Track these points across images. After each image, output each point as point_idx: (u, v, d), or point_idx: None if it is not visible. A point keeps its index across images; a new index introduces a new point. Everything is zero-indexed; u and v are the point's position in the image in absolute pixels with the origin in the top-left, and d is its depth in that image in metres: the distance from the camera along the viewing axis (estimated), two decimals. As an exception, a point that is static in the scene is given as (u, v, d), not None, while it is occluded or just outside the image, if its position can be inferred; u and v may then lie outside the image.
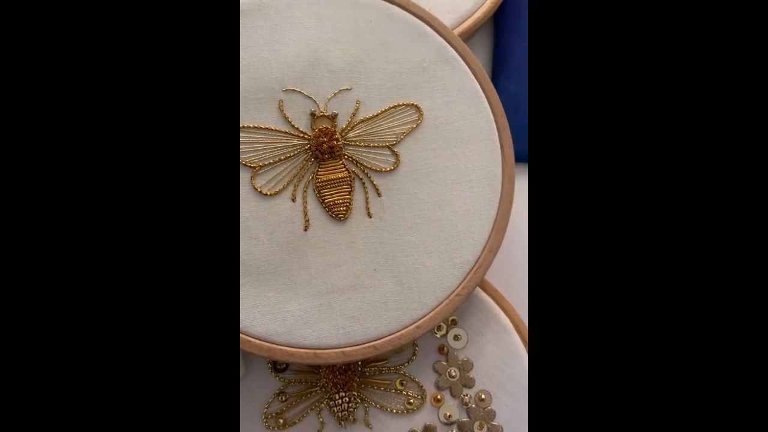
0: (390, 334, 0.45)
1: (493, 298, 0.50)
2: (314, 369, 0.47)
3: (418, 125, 0.47)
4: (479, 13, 0.55)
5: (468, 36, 0.55)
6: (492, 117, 0.48)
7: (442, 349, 0.48)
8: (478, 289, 0.49)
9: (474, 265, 0.47)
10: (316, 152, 0.46)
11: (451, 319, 0.48)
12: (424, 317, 0.46)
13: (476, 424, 0.47)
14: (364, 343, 0.45)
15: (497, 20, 0.59)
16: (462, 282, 0.46)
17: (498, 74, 0.57)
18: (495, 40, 0.59)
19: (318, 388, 0.47)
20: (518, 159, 0.54)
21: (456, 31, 0.54)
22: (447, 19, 0.54)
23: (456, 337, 0.48)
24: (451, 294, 0.46)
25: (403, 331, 0.45)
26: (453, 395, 0.48)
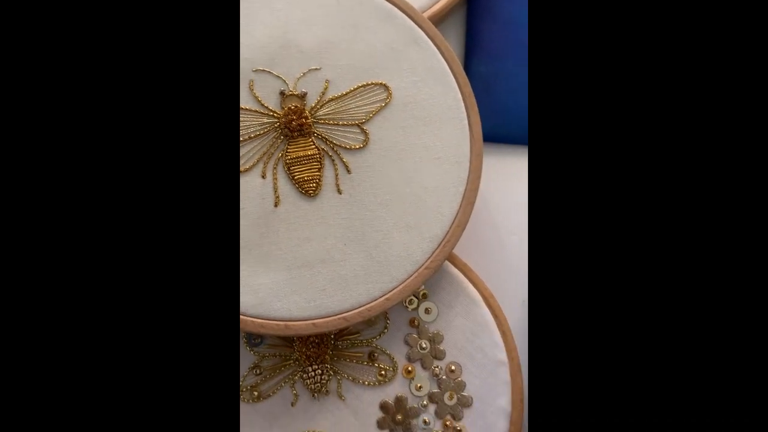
0: (360, 307, 0.47)
1: (463, 272, 0.51)
2: (288, 343, 0.49)
3: (386, 104, 0.48)
4: (449, -4, 0.56)
5: (440, 19, 0.57)
6: (460, 96, 0.49)
7: (413, 322, 0.49)
8: (447, 263, 0.51)
9: (443, 240, 0.48)
10: (286, 130, 0.47)
11: (421, 292, 0.50)
12: (393, 290, 0.47)
13: (446, 394, 0.48)
14: (335, 315, 0.46)
15: (470, 4, 0.60)
16: (431, 256, 0.48)
17: (470, 57, 0.58)
18: (467, 23, 0.60)
19: (292, 361, 0.48)
20: (489, 139, 0.56)
21: (426, 14, 0.55)
22: (417, 2, 0.55)
23: (427, 311, 0.50)
24: (420, 267, 0.47)
25: (372, 304, 0.47)
26: (424, 367, 0.49)
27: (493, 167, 0.56)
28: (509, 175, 0.56)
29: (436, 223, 0.48)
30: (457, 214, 0.48)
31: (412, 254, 0.47)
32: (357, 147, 0.48)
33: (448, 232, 0.48)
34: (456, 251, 0.52)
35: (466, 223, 0.48)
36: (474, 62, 0.58)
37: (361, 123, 0.48)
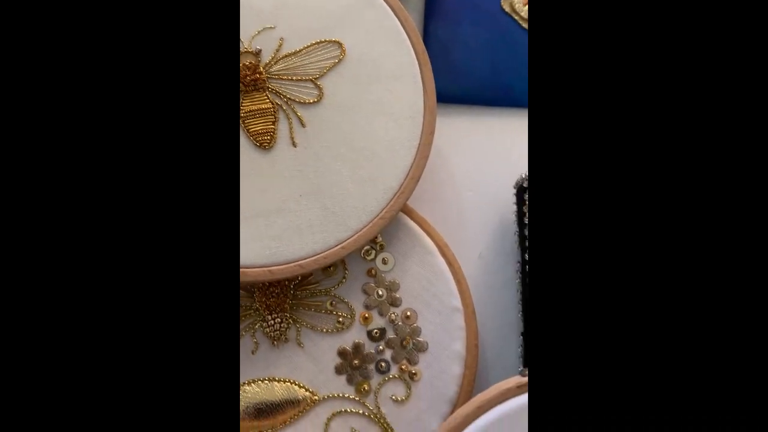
0: (315, 255, 0.48)
1: (419, 225, 0.52)
2: (248, 293, 0.50)
3: (340, 60, 0.50)
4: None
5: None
6: (413, 53, 0.51)
7: (371, 271, 0.51)
8: (404, 216, 0.52)
9: (397, 191, 0.49)
10: (240, 85, 0.48)
11: (379, 243, 0.51)
12: (348, 239, 0.49)
13: (402, 339, 0.50)
14: (291, 263, 0.48)
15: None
16: (385, 206, 0.49)
17: (429, 21, 0.60)
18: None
19: (252, 311, 0.50)
20: (449, 100, 0.57)
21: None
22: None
23: (384, 261, 0.51)
24: (375, 218, 0.49)
25: (328, 252, 0.48)
26: (381, 314, 0.50)
27: (453, 127, 0.57)
28: (468, 135, 0.57)
29: (391, 175, 0.49)
30: (411, 167, 0.50)
31: (368, 205, 0.49)
32: (311, 101, 0.49)
33: (402, 184, 0.50)
34: (414, 206, 0.53)
35: (419, 176, 0.50)
36: (432, 26, 0.59)
37: (315, 78, 0.49)
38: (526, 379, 0.42)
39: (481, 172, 0.56)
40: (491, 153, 0.57)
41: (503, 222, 0.55)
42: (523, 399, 0.42)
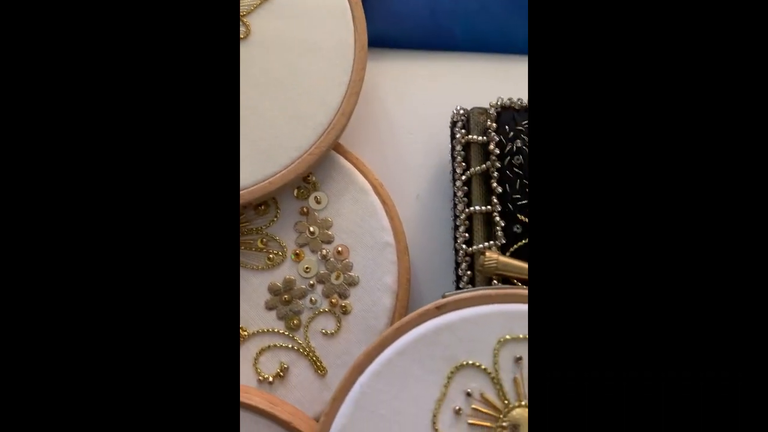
0: (243, 189, 0.48)
1: (353, 164, 0.52)
2: (179, 232, 0.50)
3: (268, -2, 0.50)
4: None
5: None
6: (345, -9, 0.51)
7: (304, 210, 0.51)
8: (338, 155, 0.52)
9: (327, 128, 0.49)
10: (163, 19, 0.48)
11: (312, 183, 0.51)
12: (276, 174, 0.48)
13: (333, 275, 0.50)
14: (216, 196, 0.48)
15: None
16: (315, 142, 0.49)
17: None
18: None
19: (183, 249, 0.50)
20: (387, 44, 0.57)
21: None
22: None
23: (317, 200, 0.51)
24: (304, 153, 0.49)
25: (255, 187, 0.48)
26: (312, 251, 0.50)
27: (393, 71, 0.57)
28: (408, 79, 0.57)
29: (321, 112, 0.49)
30: (341, 103, 0.50)
31: (296, 141, 0.49)
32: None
33: (332, 120, 0.50)
34: (353, 148, 0.53)
35: (350, 112, 0.50)
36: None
37: (242, 15, 0.49)
38: (444, 300, 0.42)
39: (421, 116, 0.56)
40: (431, 97, 0.56)
41: (442, 165, 0.55)
42: (441, 320, 0.41)
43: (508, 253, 0.46)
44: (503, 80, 0.56)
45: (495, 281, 0.46)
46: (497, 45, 0.60)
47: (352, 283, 0.50)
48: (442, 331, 0.41)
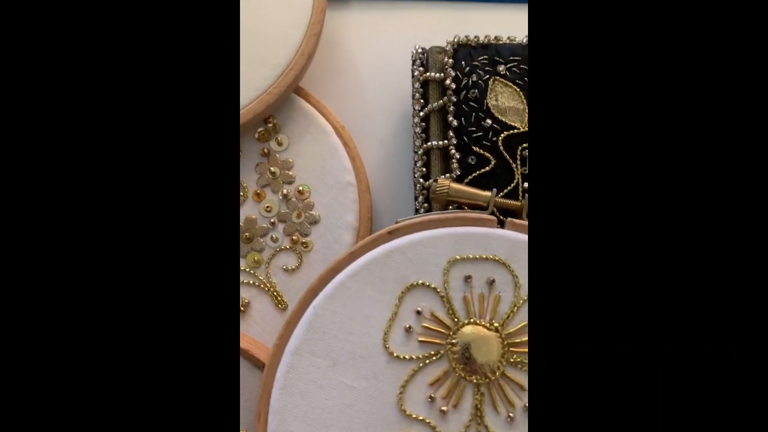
0: (202, 129, 0.48)
1: (315, 107, 0.53)
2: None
3: (225, -58, 0.50)
4: None
5: None
6: (304, -65, 0.51)
7: (264, 151, 0.51)
8: (300, 99, 0.52)
9: (286, 68, 0.50)
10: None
11: (273, 125, 0.51)
12: (235, 113, 0.49)
13: (294, 213, 0.50)
14: (175, 135, 0.48)
15: None
16: (273, 83, 0.50)
17: None
18: None
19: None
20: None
21: None
22: None
23: (278, 142, 0.51)
24: (262, 93, 0.49)
25: (214, 126, 0.49)
26: (274, 191, 0.51)
27: (360, 19, 0.57)
28: (371, 25, 0.58)
29: (280, 52, 0.50)
30: (300, 44, 0.50)
31: (255, 82, 0.49)
32: (195, -20, 0.50)
33: (291, 61, 0.50)
34: (319, 95, 0.54)
35: (310, 54, 0.50)
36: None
37: (200, -42, 0.50)
38: (396, 225, 0.42)
39: (386, 62, 0.56)
40: (396, 43, 0.57)
41: (406, 109, 0.55)
42: (393, 243, 0.42)
43: (464, 184, 0.47)
44: (464, 23, 0.57)
45: (451, 208, 0.46)
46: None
47: (314, 221, 0.50)
48: (394, 253, 0.41)
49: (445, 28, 0.57)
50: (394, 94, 0.56)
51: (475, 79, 0.48)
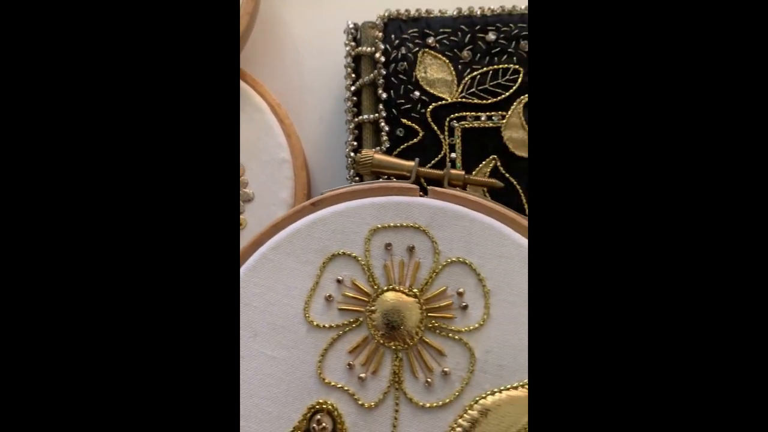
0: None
1: (250, 85, 0.53)
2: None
3: None
4: None
5: None
6: None
7: (200, 131, 0.51)
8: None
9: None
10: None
11: (208, 105, 0.51)
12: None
13: (229, 191, 0.50)
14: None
15: None
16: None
17: None
18: None
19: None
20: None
21: None
22: None
23: (214, 121, 0.51)
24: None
25: (145, 105, 0.49)
26: (209, 170, 0.51)
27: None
28: (314, 6, 0.58)
29: (212, 32, 0.50)
30: (233, 23, 0.50)
31: (188, 61, 0.49)
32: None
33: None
34: (259, 75, 0.54)
35: (243, 33, 0.50)
36: None
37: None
38: (320, 196, 0.42)
39: (326, 40, 0.56)
40: (337, 21, 0.57)
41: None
42: (316, 215, 0.42)
43: (392, 156, 0.47)
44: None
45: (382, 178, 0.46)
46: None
47: (247, 199, 0.50)
48: (316, 224, 0.41)
49: (385, 3, 0.57)
50: (334, 70, 0.56)
51: (404, 51, 0.48)
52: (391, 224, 0.41)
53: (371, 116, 0.48)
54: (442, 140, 0.47)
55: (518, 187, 0.46)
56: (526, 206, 0.46)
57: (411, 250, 0.41)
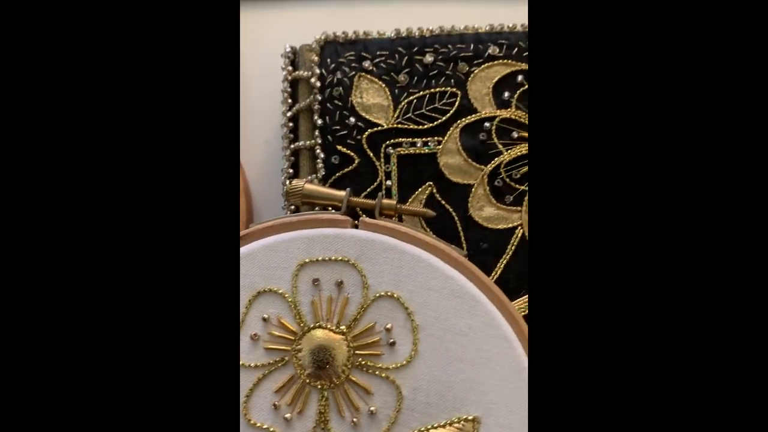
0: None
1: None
2: None
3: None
4: None
5: None
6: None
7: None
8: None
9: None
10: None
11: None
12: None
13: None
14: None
15: None
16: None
17: None
18: None
19: None
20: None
21: None
22: None
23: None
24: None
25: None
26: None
27: (242, 20, 0.57)
28: (255, 26, 0.57)
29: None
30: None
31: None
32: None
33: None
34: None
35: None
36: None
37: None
38: (248, 230, 0.42)
39: (270, 63, 0.56)
40: (279, 44, 0.56)
41: (291, 110, 0.54)
42: (243, 250, 0.41)
43: (328, 184, 0.46)
44: (350, 18, 0.56)
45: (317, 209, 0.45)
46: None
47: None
48: (244, 260, 0.41)
49: (331, 25, 0.56)
50: (278, 94, 0.55)
51: (340, 76, 0.47)
52: (320, 258, 0.40)
53: (308, 143, 0.47)
54: (378, 167, 0.46)
55: (454, 214, 0.45)
56: (461, 234, 0.45)
57: (339, 284, 0.40)
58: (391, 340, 0.39)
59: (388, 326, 0.39)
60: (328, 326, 0.40)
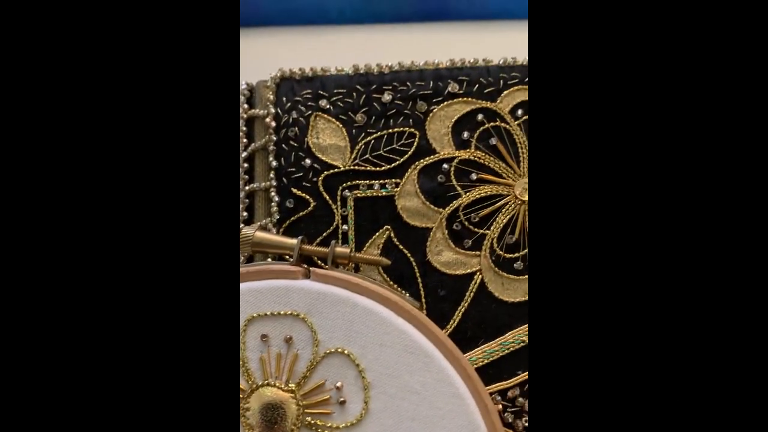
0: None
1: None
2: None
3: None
4: None
5: None
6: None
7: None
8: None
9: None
10: None
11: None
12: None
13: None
14: None
15: None
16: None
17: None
18: None
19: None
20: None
21: None
22: None
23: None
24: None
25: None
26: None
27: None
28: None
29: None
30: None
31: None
32: None
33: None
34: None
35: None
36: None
37: None
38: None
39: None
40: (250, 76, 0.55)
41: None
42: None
43: (282, 229, 0.45)
44: (315, 50, 0.55)
45: (270, 258, 0.44)
46: (312, 16, 0.58)
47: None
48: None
49: (303, 55, 0.55)
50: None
51: (295, 116, 0.46)
52: (268, 312, 0.39)
53: (263, 184, 0.46)
54: (335, 211, 0.45)
55: (412, 259, 0.44)
56: (419, 280, 0.44)
57: (289, 340, 0.39)
58: (342, 399, 0.38)
59: (338, 384, 0.38)
60: (277, 384, 0.38)
